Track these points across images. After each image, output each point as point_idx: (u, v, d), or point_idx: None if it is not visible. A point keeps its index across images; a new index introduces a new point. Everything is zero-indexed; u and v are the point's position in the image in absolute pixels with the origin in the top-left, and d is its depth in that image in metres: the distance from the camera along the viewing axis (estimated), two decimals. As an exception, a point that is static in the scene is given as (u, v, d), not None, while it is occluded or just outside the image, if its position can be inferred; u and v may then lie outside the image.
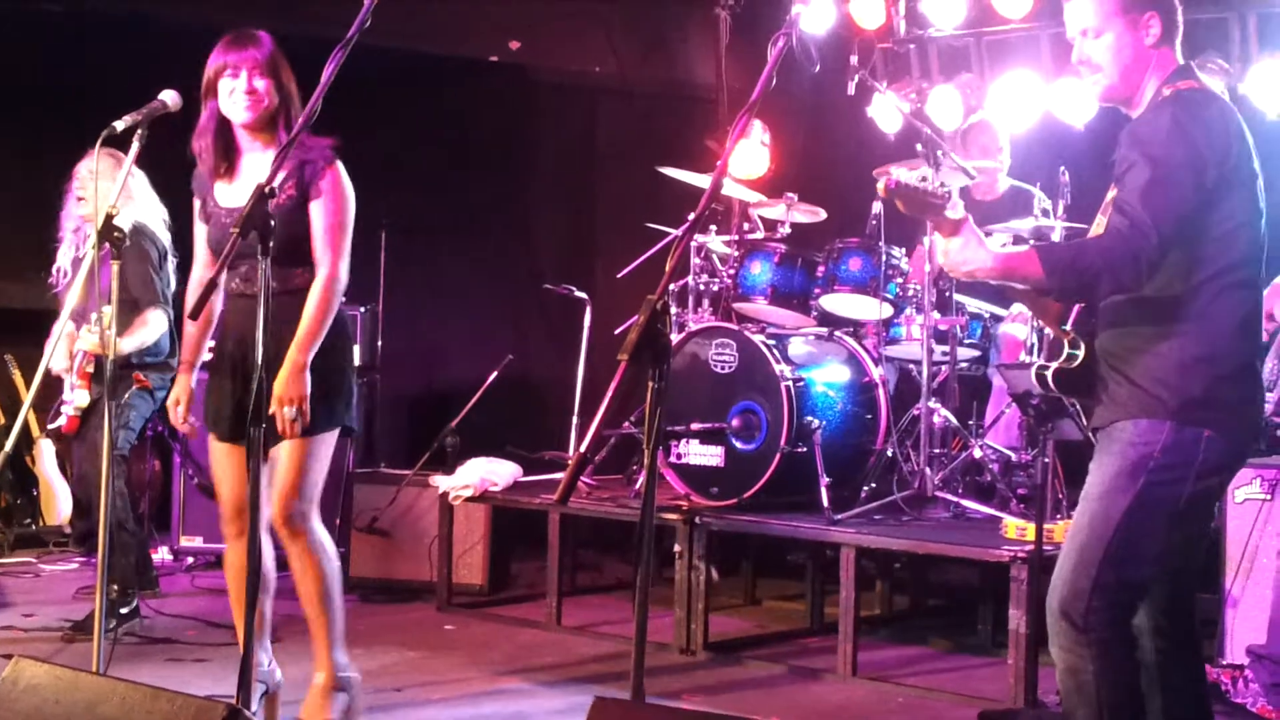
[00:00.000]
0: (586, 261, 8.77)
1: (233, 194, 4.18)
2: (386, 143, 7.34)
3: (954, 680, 5.30)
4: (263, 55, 4.11)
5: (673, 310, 6.09)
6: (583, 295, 7.33)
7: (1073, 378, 3.42)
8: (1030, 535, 4.89)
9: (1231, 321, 3.26)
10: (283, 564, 4.27)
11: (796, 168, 7.93)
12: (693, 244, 6.33)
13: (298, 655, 4.54)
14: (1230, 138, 3.25)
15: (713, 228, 6.62)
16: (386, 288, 7.61)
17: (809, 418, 5.67)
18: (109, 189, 4.35)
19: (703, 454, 5.83)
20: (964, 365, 6.21)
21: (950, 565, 6.26)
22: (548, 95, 9.03)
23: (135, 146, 4.16)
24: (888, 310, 5.99)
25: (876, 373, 6.01)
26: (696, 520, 5.66)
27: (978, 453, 5.86)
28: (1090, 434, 3.44)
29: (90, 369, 5.60)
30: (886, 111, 7.47)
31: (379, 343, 7.58)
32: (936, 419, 5.86)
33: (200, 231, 4.31)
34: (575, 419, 7.10)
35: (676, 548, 5.68)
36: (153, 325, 5.65)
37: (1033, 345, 5.45)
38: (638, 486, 6.25)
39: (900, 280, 6.02)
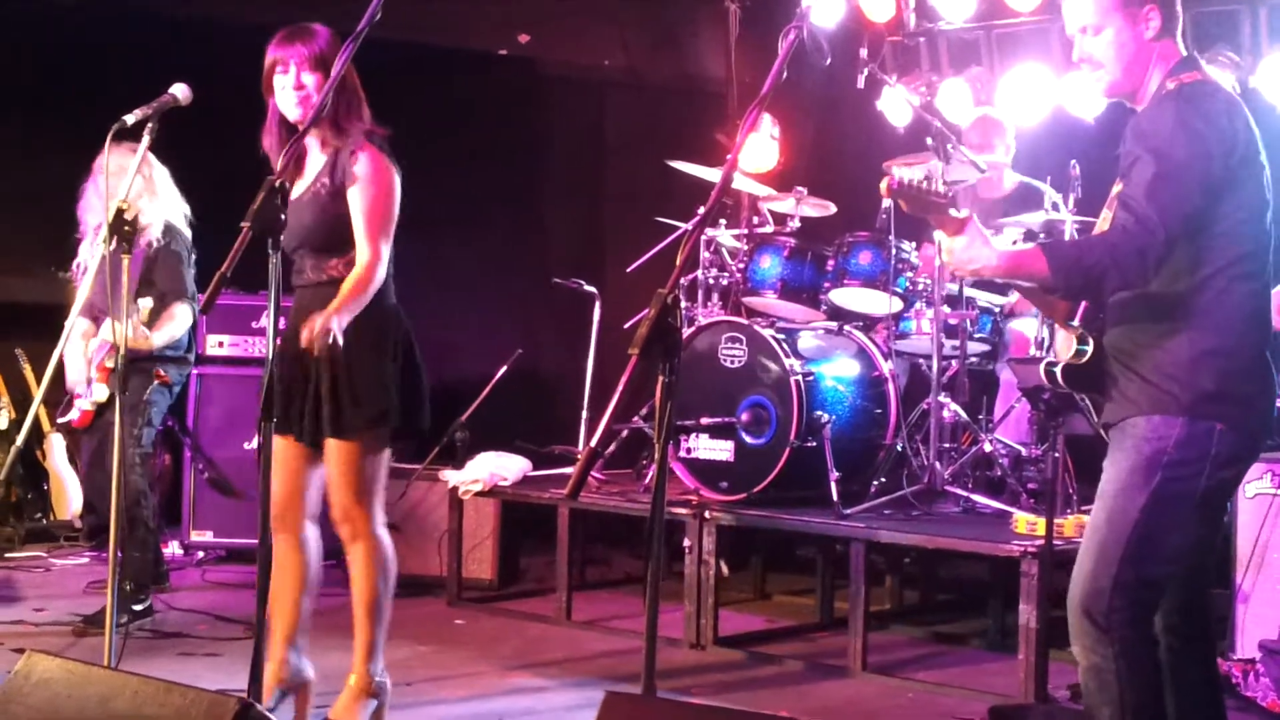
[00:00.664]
0: (596, 255, 8.77)
1: (296, 188, 4.17)
2: (395, 135, 7.34)
3: (964, 675, 5.29)
4: (310, 50, 4.03)
5: (683, 304, 6.08)
6: (592, 289, 7.32)
7: (1081, 373, 3.41)
8: (1040, 530, 4.88)
9: (1240, 314, 3.25)
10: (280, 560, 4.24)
11: (806, 161, 7.93)
12: (702, 238, 6.32)
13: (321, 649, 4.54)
14: (1236, 129, 3.24)
15: (722, 221, 6.61)
16: (395, 281, 7.59)
17: (818, 412, 5.67)
18: (124, 183, 4.35)
19: (712, 448, 5.83)
20: (974, 360, 6.20)
21: (960, 560, 6.25)
22: (557, 89, 9.03)
23: (146, 140, 4.15)
24: (897, 304, 5.98)
25: (886, 367, 6.01)
26: (706, 515, 5.66)
27: (988, 447, 5.85)
28: (1101, 430, 3.43)
29: (110, 363, 5.60)
30: (896, 105, 7.45)
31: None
32: (946, 414, 5.84)
33: None
34: (585, 413, 7.09)
35: (686, 542, 5.68)
36: (180, 319, 5.68)
37: (1043, 340, 5.44)
38: (647, 481, 6.25)
39: (910, 274, 6.01)
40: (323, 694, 4.32)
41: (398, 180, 4.14)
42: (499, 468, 6.39)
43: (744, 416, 5.76)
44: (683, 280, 5.46)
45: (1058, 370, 3.44)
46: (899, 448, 5.87)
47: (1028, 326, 6.08)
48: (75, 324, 5.22)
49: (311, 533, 4.24)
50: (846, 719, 4.84)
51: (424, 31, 7.59)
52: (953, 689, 5.09)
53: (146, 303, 5.54)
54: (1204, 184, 3.19)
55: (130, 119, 4.09)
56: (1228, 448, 3.22)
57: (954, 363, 6.06)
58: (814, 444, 5.62)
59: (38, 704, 2.99)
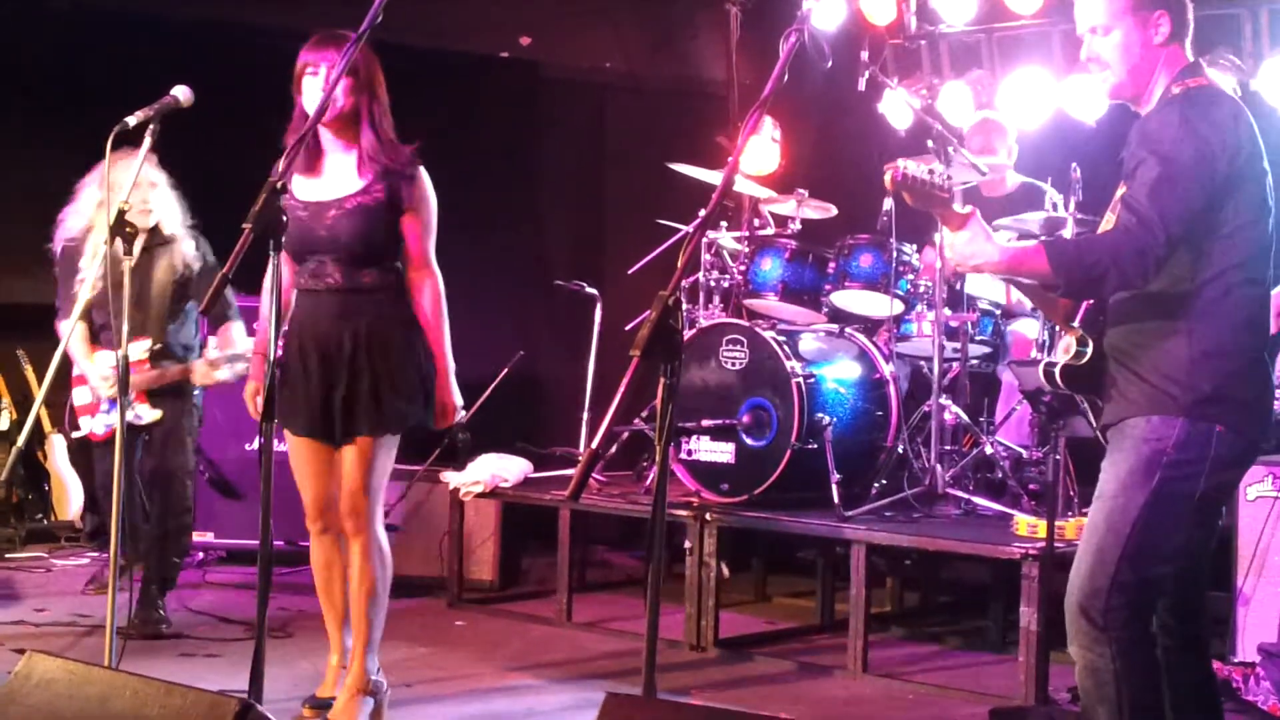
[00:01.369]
0: (596, 257, 8.77)
1: (311, 189, 4.21)
2: (396, 137, 7.35)
3: (965, 677, 5.30)
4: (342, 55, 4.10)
5: (684, 306, 6.08)
6: (593, 291, 7.33)
7: (1080, 374, 3.42)
8: (1041, 532, 4.88)
9: (1239, 318, 3.26)
10: (303, 559, 4.27)
11: (807, 164, 7.92)
12: (703, 240, 6.32)
13: (309, 650, 4.55)
14: (1239, 135, 3.26)
15: (723, 224, 6.62)
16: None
17: (820, 414, 5.67)
18: (125, 185, 4.33)
19: (713, 450, 5.83)
20: (975, 362, 6.20)
21: (961, 562, 6.24)
22: (558, 91, 9.02)
23: (147, 142, 4.15)
24: (899, 307, 5.98)
25: (887, 369, 6.01)
26: (707, 517, 5.66)
27: (989, 449, 5.85)
28: (1100, 431, 3.44)
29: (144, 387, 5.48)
30: (897, 108, 7.46)
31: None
32: (947, 416, 5.85)
33: None
34: (586, 415, 7.10)
35: (687, 544, 5.69)
36: (239, 340, 5.54)
37: (1044, 342, 5.44)
38: (648, 483, 6.25)
39: (911, 276, 6.01)
40: (291, 700, 4.35)
41: None
42: (500, 469, 6.39)
43: (745, 418, 5.76)
44: (684, 282, 5.47)
45: (1056, 371, 3.45)
46: (900, 450, 5.87)
47: (1029, 328, 6.08)
48: (75, 329, 5.20)
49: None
50: (847, 721, 4.85)
51: (425, 34, 7.58)
52: (953, 691, 5.10)
53: (141, 345, 5.43)
54: (1207, 188, 3.20)
55: (132, 121, 4.08)
56: (1226, 450, 3.23)
57: (955, 365, 6.06)
58: (815, 446, 5.62)
59: (39, 704, 2.99)
